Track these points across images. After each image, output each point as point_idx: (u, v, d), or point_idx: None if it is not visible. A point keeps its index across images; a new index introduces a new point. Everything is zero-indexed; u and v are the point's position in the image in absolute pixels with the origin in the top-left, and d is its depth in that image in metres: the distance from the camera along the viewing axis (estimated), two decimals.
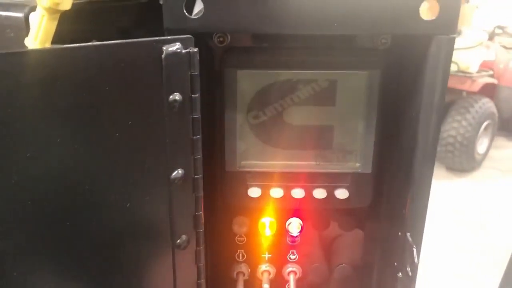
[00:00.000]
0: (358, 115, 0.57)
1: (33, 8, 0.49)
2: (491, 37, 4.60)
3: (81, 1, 0.72)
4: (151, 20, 0.71)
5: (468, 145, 4.01)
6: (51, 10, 0.46)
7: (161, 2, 0.70)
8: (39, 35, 0.48)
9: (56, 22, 0.54)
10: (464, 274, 2.76)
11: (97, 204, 0.45)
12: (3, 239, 0.39)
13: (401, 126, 0.56)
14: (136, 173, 0.46)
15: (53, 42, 0.56)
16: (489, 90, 4.27)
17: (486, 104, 4.12)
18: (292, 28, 0.48)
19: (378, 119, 0.56)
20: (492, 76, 4.37)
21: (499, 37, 4.70)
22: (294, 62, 0.55)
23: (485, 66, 4.31)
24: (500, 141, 4.74)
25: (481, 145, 4.23)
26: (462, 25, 4.09)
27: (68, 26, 0.54)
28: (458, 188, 3.81)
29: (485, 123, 4.15)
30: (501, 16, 4.80)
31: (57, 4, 0.45)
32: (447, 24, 0.47)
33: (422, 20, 0.47)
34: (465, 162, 4.08)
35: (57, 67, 0.40)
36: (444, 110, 3.45)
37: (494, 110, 4.24)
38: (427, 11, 0.47)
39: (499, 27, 4.72)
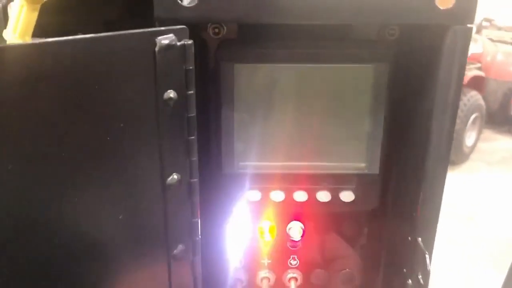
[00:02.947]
0: (365, 112, 0.53)
1: None
2: (478, 29, 4.61)
3: None
4: (139, 12, 0.67)
5: (457, 138, 4.02)
6: (31, 0, 0.42)
7: None
8: (18, 27, 0.44)
9: (36, 13, 0.50)
10: (456, 266, 2.76)
11: (87, 216, 0.40)
12: None
13: (412, 123, 0.53)
14: (129, 181, 0.42)
15: (34, 35, 0.52)
16: (477, 83, 4.28)
17: (474, 97, 4.13)
18: (296, 17, 0.44)
19: (386, 116, 0.53)
20: (480, 69, 4.38)
21: (486, 30, 4.71)
22: (296, 55, 0.51)
23: (473, 59, 4.32)
24: (488, 134, 4.76)
25: (469, 138, 4.25)
26: None
27: (51, 18, 0.51)
28: (447, 180, 3.81)
29: (473, 116, 4.16)
30: (488, 9, 4.81)
31: None
32: (465, 13, 0.43)
33: (438, 8, 0.43)
34: (453, 155, 4.09)
35: (40, 65, 0.35)
36: None
37: (482, 102, 4.26)
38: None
39: (486, 20, 4.73)
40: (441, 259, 2.81)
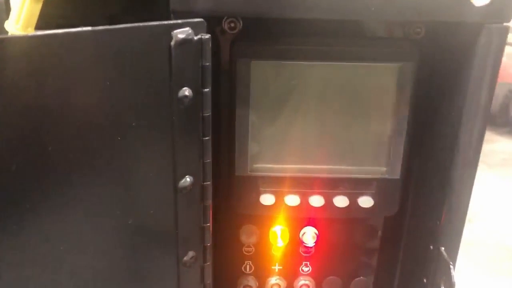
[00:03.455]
0: (387, 113, 0.50)
1: None
2: None
3: None
4: (141, 7, 0.64)
5: None
6: None
7: None
8: (21, 19, 0.43)
9: (40, 4, 0.48)
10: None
11: (95, 219, 0.38)
12: None
13: (437, 126, 0.50)
14: (140, 183, 0.40)
15: (36, 27, 0.49)
16: None
17: None
18: (319, 12, 0.41)
19: (410, 118, 0.50)
20: None
21: None
22: (316, 52, 0.49)
23: None
24: (488, 135, 4.75)
25: None
26: None
27: (53, 10, 0.48)
28: None
29: None
30: None
31: None
32: (502, 10, 0.41)
33: (472, 5, 0.40)
34: None
35: (48, 58, 0.32)
36: None
37: None
38: None
39: None
40: None
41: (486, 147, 4.59)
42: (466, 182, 0.46)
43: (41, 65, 0.32)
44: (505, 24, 0.41)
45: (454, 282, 0.47)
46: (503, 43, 0.42)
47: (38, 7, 0.47)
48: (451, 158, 0.46)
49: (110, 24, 0.73)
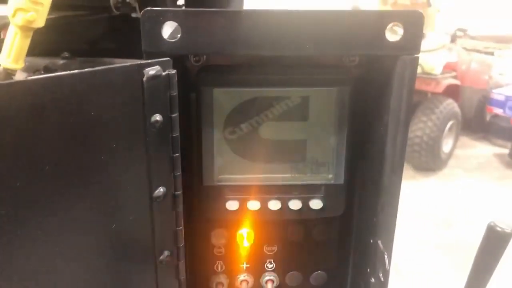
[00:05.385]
0: (330, 129, 0.60)
1: (5, 25, 0.49)
2: (453, 39, 4.75)
3: (53, 16, 0.72)
4: (122, 32, 0.73)
5: (434, 145, 4.13)
6: (25, 28, 0.46)
7: (133, 16, 0.71)
8: (12, 53, 0.48)
9: (29, 40, 0.54)
10: (435, 272, 2.84)
11: (84, 226, 0.46)
12: None
13: (370, 139, 0.59)
14: (121, 195, 0.47)
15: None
16: (452, 91, 4.41)
17: (450, 104, 4.26)
18: (267, 49, 0.50)
19: (348, 133, 0.59)
20: (455, 77, 4.51)
21: (460, 39, 4.86)
22: (268, 80, 0.58)
23: (448, 68, 4.45)
24: (464, 141, 4.89)
25: (446, 145, 4.37)
26: (426, 29, 4.23)
27: (38, 36, 0.54)
28: (425, 187, 3.91)
29: (450, 123, 4.28)
30: (462, 19, 4.96)
31: (31, 22, 0.45)
32: (411, 44, 0.50)
33: (388, 41, 0.50)
34: (431, 161, 4.20)
35: (43, 98, 0.40)
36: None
37: (458, 110, 4.38)
38: (392, 33, 0.50)
39: (460, 30, 4.88)
40: (420, 264, 2.89)
41: (463, 152, 4.72)
42: (394, 185, 0.55)
43: (38, 102, 0.40)
44: (415, 55, 0.51)
45: (388, 269, 0.56)
46: (414, 71, 0.51)
47: (27, 43, 0.54)
48: (381, 166, 0.55)
49: (90, 48, 0.80)
